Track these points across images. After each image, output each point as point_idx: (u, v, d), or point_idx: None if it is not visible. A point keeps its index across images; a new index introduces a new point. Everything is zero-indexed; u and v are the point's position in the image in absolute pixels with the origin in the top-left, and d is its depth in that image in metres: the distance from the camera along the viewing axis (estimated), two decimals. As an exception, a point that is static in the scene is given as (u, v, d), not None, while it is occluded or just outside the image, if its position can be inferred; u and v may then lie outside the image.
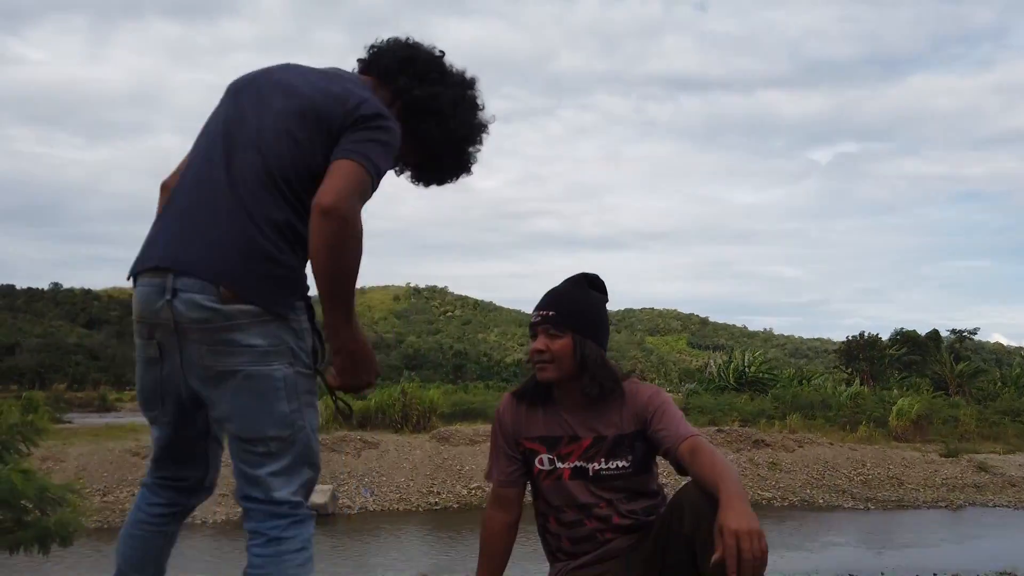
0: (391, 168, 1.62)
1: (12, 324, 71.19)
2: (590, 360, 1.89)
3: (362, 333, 1.57)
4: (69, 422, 19.61)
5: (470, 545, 10.24)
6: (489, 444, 2.09)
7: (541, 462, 1.97)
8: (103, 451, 13.87)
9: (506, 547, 2.02)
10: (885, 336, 39.71)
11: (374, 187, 1.53)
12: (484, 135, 1.79)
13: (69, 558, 8.33)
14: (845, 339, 39.26)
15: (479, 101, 1.77)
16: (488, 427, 18.00)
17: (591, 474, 1.93)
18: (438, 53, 1.74)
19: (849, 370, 36.90)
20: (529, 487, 2.05)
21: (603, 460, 1.92)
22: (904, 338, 39.77)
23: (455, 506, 13.68)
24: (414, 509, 13.52)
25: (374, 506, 13.48)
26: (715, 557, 1.54)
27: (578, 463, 1.94)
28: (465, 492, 14.03)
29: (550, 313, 1.92)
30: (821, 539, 11.98)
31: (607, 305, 2.03)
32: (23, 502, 3.63)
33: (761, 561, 1.51)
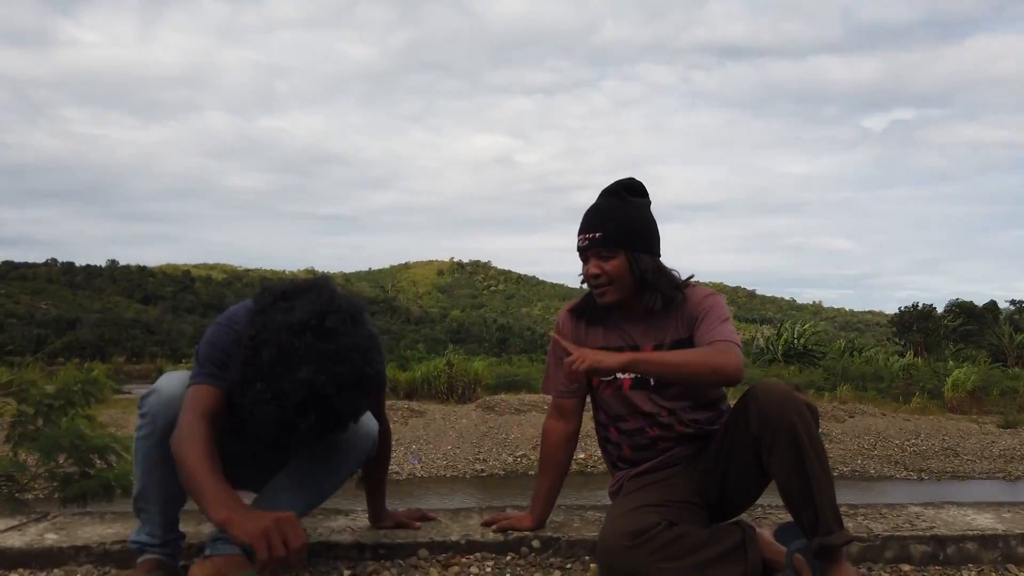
0: (215, 366, 1.72)
1: (73, 300, 73.76)
2: (648, 274, 1.82)
3: (227, 510, 1.46)
4: (128, 393, 20.30)
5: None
6: (548, 356, 2.04)
7: None
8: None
9: (566, 457, 2.02)
10: (940, 308, 38.66)
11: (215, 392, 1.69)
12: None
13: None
14: (898, 310, 38.33)
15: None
16: (533, 396, 17.76)
17: (652, 383, 1.89)
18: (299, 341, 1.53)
19: (902, 341, 36.00)
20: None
21: None
22: (960, 309, 38.59)
23: (501, 473, 13.82)
24: (461, 476, 13.70)
25: (422, 472, 13.69)
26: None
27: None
28: (511, 460, 14.13)
29: (596, 235, 1.83)
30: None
31: (651, 207, 1.90)
32: (89, 454, 3.77)
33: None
